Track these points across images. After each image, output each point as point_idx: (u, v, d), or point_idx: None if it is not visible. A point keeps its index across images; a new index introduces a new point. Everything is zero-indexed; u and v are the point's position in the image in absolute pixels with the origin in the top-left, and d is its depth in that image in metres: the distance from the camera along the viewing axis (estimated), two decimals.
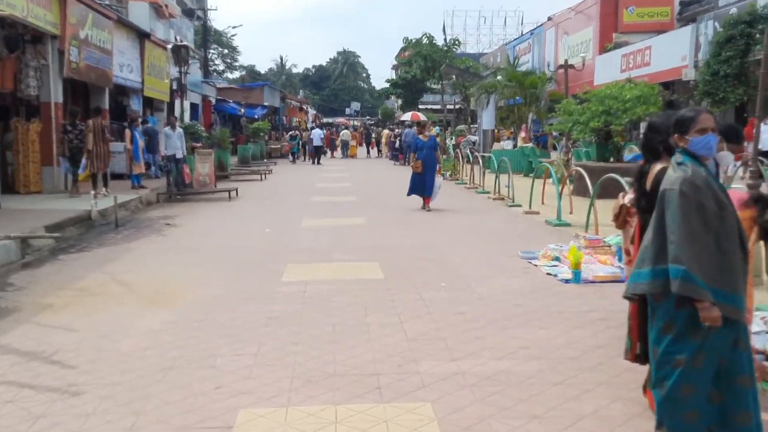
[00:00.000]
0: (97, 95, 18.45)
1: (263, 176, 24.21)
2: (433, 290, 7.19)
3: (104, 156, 14.76)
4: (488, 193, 17.52)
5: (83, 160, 14.48)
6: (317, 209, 14.85)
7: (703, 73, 20.19)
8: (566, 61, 20.48)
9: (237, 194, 17.71)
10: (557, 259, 8.71)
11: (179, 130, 16.96)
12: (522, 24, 60.59)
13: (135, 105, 21.14)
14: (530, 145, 24.57)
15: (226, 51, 58.35)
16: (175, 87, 18.22)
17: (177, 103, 18.86)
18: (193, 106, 29.31)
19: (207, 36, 39.16)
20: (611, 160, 16.92)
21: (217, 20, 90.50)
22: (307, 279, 7.74)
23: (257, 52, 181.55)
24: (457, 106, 49.03)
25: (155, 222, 12.86)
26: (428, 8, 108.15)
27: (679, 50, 23.78)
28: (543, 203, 14.55)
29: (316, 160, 33.19)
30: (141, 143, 16.79)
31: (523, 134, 25.18)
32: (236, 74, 58.72)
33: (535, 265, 8.51)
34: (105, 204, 12.77)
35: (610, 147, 17.00)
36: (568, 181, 14.51)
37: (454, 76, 34.96)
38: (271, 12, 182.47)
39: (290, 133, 38.77)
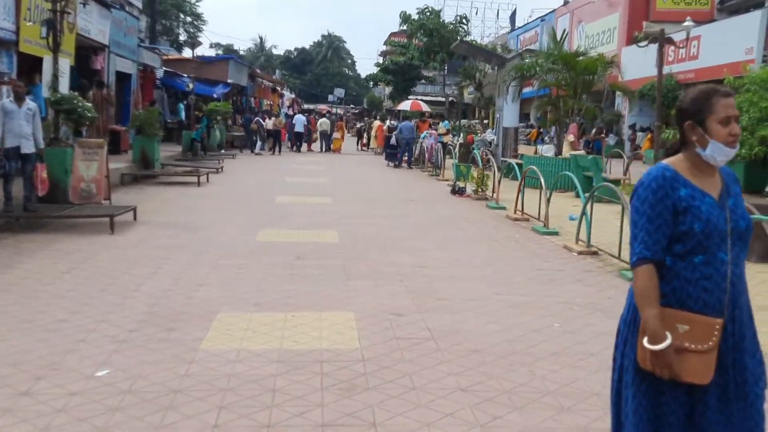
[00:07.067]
0: None
1: (205, 177, 16.97)
2: None
3: None
4: (556, 235, 10.47)
5: None
6: (267, 266, 7.64)
7: None
8: (662, 30, 13.43)
9: (135, 217, 10.52)
10: None
11: (30, 104, 9.53)
12: (515, 18, 55.54)
13: (4, 65, 13.77)
14: (581, 152, 17.62)
15: (189, 19, 50.09)
16: (43, 34, 10.81)
17: (46, 60, 11.49)
18: (123, 76, 21.90)
19: None
20: None
21: None
22: None
23: (235, 31, 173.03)
24: (450, 99, 42.08)
25: None
26: None
27: (742, 40, 21.07)
28: None
29: (296, 148, 31.49)
30: None
31: (572, 137, 18.12)
32: (209, 50, 50.83)
33: None
34: None
35: None
36: None
37: (466, 58, 27.78)
38: None
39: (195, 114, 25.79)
